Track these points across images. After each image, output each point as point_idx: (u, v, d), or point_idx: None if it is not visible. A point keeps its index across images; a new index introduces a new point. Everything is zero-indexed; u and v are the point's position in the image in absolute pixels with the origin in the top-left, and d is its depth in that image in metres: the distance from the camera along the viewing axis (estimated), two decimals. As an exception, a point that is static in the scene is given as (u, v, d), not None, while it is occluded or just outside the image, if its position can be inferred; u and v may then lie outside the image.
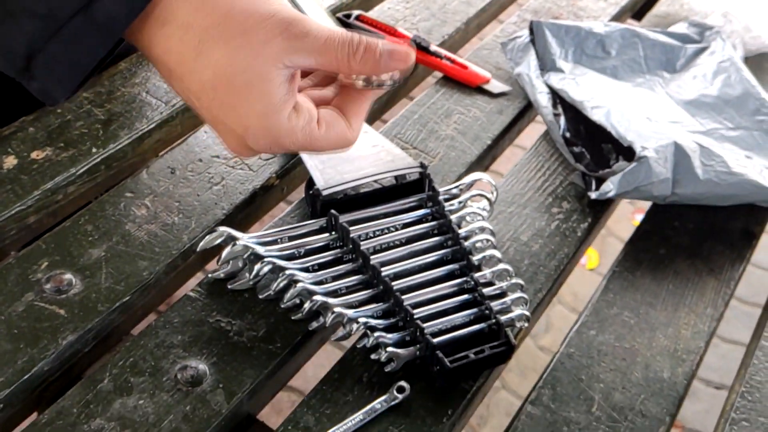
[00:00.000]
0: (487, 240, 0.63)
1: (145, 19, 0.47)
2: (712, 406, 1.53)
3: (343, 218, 0.60)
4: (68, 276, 0.58)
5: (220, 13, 0.46)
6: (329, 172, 0.64)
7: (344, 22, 0.86)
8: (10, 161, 0.66)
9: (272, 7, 0.47)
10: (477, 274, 0.60)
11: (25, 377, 0.52)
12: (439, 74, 0.84)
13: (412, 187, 0.65)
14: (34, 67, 0.47)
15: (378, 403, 0.54)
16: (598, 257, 1.80)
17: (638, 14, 1.04)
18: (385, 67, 0.49)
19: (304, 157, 0.66)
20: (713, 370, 1.57)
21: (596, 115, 0.73)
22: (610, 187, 0.68)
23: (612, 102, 0.76)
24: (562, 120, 0.76)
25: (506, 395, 1.52)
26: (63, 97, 0.48)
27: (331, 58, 0.48)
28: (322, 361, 0.62)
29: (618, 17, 0.97)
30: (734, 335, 1.60)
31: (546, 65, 0.81)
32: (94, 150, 0.68)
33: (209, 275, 0.60)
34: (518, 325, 0.59)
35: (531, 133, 0.85)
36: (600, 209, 0.72)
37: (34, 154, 0.66)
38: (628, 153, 0.70)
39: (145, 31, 0.48)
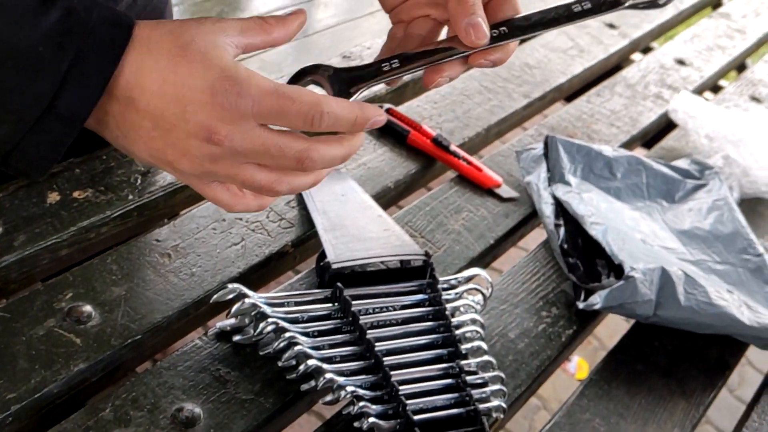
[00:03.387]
0: (477, 332, 0.68)
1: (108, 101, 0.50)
2: None
3: (348, 292, 0.66)
4: (88, 308, 0.63)
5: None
6: (341, 248, 0.70)
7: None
8: (54, 197, 0.72)
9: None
10: (463, 362, 0.64)
11: (36, 396, 0.57)
12: (455, 173, 0.91)
13: (414, 273, 0.70)
14: (11, 161, 0.51)
15: (354, 469, 0.58)
16: (589, 368, 1.82)
17: (648, 144, 1.11)
18: None
19: (320, 231, 0.71)
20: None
21: (594, 231, 0.79)
22: (596, 300, 0.73)
23: (611, 221, 0.81)
24: (562, 231, 0.81)
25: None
26: (40, 176, 0.53)
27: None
28: (306, 431, 0.65)
29: (627, 144, 1.04)
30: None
31: (555, 177, 0.87)
32: (130, 197, 0.74)
33: (217, 326, 0.64)
34: (494, 415, 0.63)
35: (536, 237, 0.91)
36: (586, 319, 0.76)
37: (76, 194, 0.72)
38: (618, 271, 0.76)
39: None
